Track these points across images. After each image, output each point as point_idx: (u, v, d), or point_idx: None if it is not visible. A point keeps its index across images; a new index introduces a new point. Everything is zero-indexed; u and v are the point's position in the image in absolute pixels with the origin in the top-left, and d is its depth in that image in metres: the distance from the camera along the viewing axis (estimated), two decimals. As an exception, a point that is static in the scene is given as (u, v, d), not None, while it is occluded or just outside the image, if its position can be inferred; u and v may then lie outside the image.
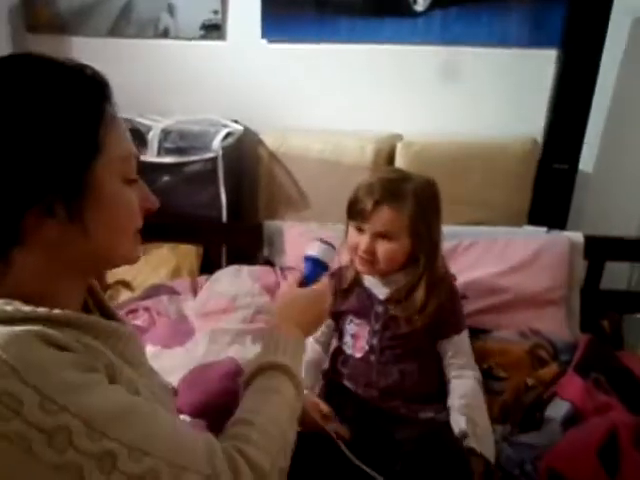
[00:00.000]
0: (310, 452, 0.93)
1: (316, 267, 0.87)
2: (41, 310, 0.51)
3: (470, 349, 1.11)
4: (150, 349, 1.26)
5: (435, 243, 1.07)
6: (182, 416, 1.02)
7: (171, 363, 1.19)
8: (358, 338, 1.11)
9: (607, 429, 0.88)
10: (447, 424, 1.05)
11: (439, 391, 1.09)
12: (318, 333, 1.20)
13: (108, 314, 0.67)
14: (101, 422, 0.46)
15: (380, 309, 1.09)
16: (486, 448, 0.97)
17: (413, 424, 1.03)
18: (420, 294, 1.05)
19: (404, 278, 1.08)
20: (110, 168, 0.55)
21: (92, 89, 0.55)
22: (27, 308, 0.50)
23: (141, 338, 1.30)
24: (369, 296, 1.11)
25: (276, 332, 0.75)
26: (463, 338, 1.10)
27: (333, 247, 0.89)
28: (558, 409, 1.05)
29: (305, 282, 0.85)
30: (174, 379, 1.16)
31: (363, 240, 1.04)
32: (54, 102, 0.51)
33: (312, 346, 1.17)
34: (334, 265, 0.94)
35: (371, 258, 1.04)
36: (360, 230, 1.05)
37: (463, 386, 1.05)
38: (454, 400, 1.04)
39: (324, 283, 0.85)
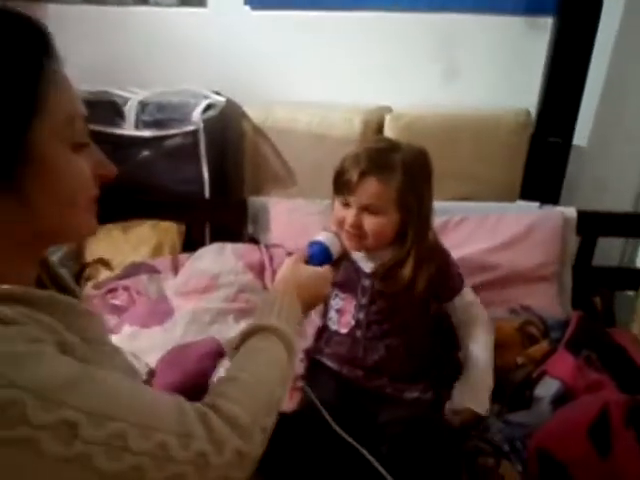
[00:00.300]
0: (294, 429, 0.91)
1: (321, 254, 0.89)
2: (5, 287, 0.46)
3: (475, 298, 1.12)
4: (128, 329, 1.22)
5: (425, 217, 1.02)
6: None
7: (149, 343, 1.15)
8: (344, 313, 1.07)
9: (598, 408, 0.85)
10: (433, 404, 1.03)
11: (426, 369, 1.06)
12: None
13: (66, 292, 0.62)
14: (54, 391, 0.43)
15: (367, 282, 1.05)
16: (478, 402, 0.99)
17: (398, 405, 1.00)
18: (407, 270, 1.00)
19: (392, 253, 1.03)
20: (52, 131, 0.49)
21: (29, 38, 0.48)
22: None
23: (120, 317, 1.27)
24: (356, 270, 1.07)
25: (273, 295, 0.74)
26: (466, 293, 1.10)
27: (341, 242, 0.95)
28: (548, 388, 1.02)
29: (308, 263, 0.85)
30: (152, 359, 1.13)
31: (349, 214, 0.98)
32: None
33: None
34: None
35: (358, 233, 0.99)
36: (346, 204, 1.00)
37: (480, 357, 1.05)
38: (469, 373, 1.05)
39: (327, 270, 0.85)
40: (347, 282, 1.07)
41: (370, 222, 0.98)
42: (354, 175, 0.96)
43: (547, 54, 1.57)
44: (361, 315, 1.05)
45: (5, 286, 0.47)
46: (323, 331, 1.12)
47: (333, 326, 1.08)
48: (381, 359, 1.03)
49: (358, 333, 1.05)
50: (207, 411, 0.52)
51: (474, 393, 1.01)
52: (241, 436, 0.53)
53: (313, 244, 0.91)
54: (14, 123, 0.46)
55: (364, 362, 1.04)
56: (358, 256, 1.07)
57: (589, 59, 1.50)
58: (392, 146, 1.01)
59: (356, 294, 1.06)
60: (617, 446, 0.80)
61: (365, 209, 0.98)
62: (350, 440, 0.82)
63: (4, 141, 0.46)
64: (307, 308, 0.79)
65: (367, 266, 1.06)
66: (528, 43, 1.60)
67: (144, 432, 0.46)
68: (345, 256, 1.08)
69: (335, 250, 0.92)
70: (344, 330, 1.06)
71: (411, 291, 1.01)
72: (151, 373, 1.11)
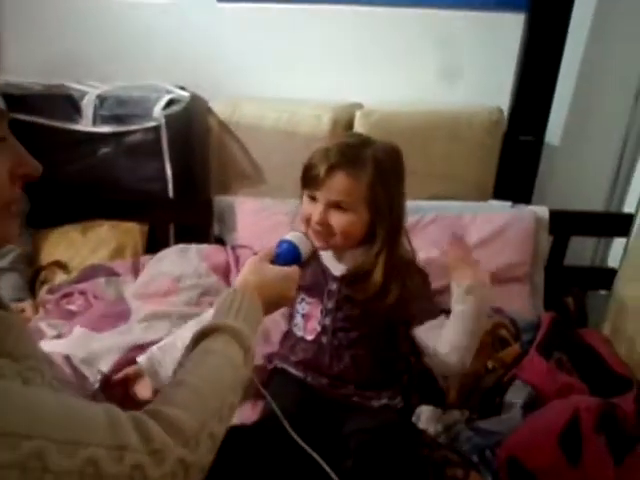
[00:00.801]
0: (254, 440, 0.87)
1: (289, 253, 0.85)
2: None
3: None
4: (79, 331, 1.14)
5: (397, 217, 0.96)
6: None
7: (102, 347, 1.08)
8: (310, 318, 1.02)
9: (569, 414, 0.82)
10: (401, 411, 0.99)
11: (393, 376, 1.02)
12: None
13: None
14: None
15: (334, 287, 0.99)
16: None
17: (365, 413, 0.95)
18: (377, 275, 0.94)
19: (361, 255, 0.98)
20: None
21: None
22: None
23: (70, 323, 1.20)
24: (323, 271, 1.01)
25: (231, 293, 0.70)
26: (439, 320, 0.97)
27: (312, 243, 0.90)
28: (519, 393, 0.99)
29: (273, 262, 0.81)
30: (106, 364, 1.05)
31: (316, 210, 0.92)
32: None
33: None
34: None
35: (325, 230, 0.93)
36: (313, 199, 0.94)
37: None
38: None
39: (295, 270, 0.81)
40: (314, 285, 1.01)
41: (338, 219, 0.92)
42: (322, 169, 0.91)
43: (519, 51, 1.55)
44: (327, 321, 0.99)
45: None
46: (288, 337, 1.07)
47: (299, 332, 1.03)
48: (346, 368, 0.98)
49: (324, 339, 1.00)
50: (145, 419, 0.48)
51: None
52: (185, 444, 0.49)
53: (281, 243, 0.86)
54: None
55: (329, 370, 0.99)
56: (326, 257, 1.02)
57: (561, 56, 1.48)
58: (363, 141, 0.96)
59: (322, 298, 1.00)
60: (587, 453, 0.77)
61: (332, 205, 0.92)
62: (311, 452, 0.77)
63: None
64: (270, 309, 0.75)
65: (336, 268, 1.01)
66: (501, 39, 1.57)
67: (67, 448, 0.42)
68: (313, 257, 1.03)
69: (304, 250, 0.87)
70: (310, 337, 1.01)
71: (381, 301, 0.95)
72: (105, 379, 1.04)
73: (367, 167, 0.91)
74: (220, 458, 0.83)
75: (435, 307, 0.99)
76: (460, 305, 0.88)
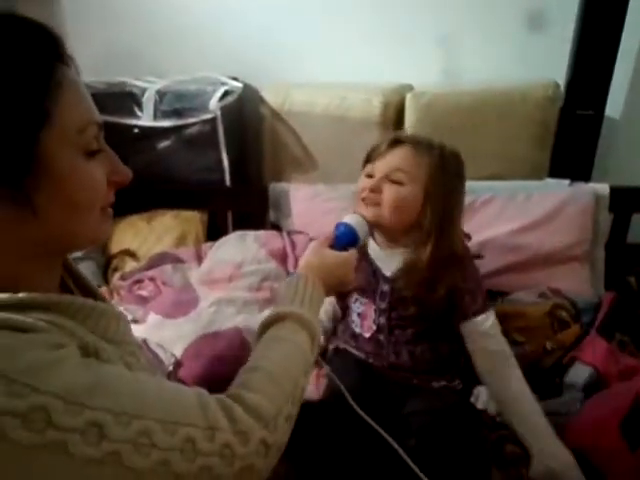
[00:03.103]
0: (320, 417, 0.92)
1: (348, 235, 0.87)
2: (3, 296, 0.47)
3: (498, 331, 0.98)
4: (153, 318, 1.23)
5: (450, 211, 0.96)
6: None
7: (175, 333, 1.16)
8: (365, 317, 1.05)
9: (630, 399, 0.82)
10: (461, 392, 1.01)
11: (452, 362, 1.04)
12: (326, 303, 1.16)
13: (88, 292, 0.63)
14: (78, 394, 0.43)
15: (386, 287, 1.01)
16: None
17: (425, 394, 0.98)
18: (422, 265, 0.95)
19: (412, 251, 0.98)
20: (63, 140, 0.48)
21: (40, 47, 0.47)
22: None
23: (144, 308, 1.29)
24: (374, 272, 1.04)
25: (295, 280, 0.73)
26: (486, 319, 0.97)
27: (370, 226, 0.92)
28: (579, 374, 0.99)
29: (333, 246, 0.83)
30: (178, 350, 1.14)
31: (371, 182, 0.95)
32: None
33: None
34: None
35: (375, 199, 0.94)
36: (370, 176, 0.97)
37: (498, 391, 0.95)
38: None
39: (353, 254, 0.84)
40: (367, 286, 1.04)
41: (391, 191, 0.93)
42: (386, 143, 0.96)
43: (576, 19, 1.48)
44: (382, 320, 1.02)
45: (23, 294, 0.48)
46: (347, 327, 1.10)
47: (356, 329, 1.07)
48: (405, 362, 1.01)
49: (381, 337, 1.03)
50: (230, 403, 0.53)
51: (548, 451, 0.85)
52: (265, 426, 0.54)
53: (339, 225, 0.89)
54: (22, 134, 0.46)
55: (388, 359, 1.02)
56: (377, 255, 1.04)
57: (622, 24, 1.41)
58: (433, 141, 0.98)
59: (375, 299, 1.03)
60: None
61: (388, 178, 0.94)
62: (375, 426, 0.80)
63: (13, 153, 0.45)
64: (330, 293, 0.79)
65: (387, 268, 1.02)
66: (555, 8, 1.51)
67: (169, 428, 0.47)
68: (364, 254, 1.05)
69: (362, 232, 0.90)
70: (367, 334, 1.04)
71: (430, 295, 0.96)
72: (177, 364, 1.12)
73: (433, 153, 0.94)
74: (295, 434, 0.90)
75: (482, 303, 0.99)
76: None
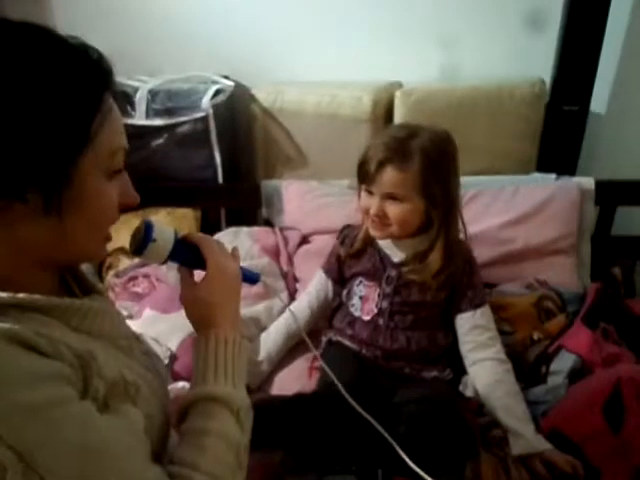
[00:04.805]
0: (313, 409, 0.94)
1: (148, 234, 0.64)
2: (5, 295, 0.48)
3: (492, 325, 1.05)
4: (148, 313, 1.25)
5: (451, 200, 1.01)
6: (180, 383, 1.02)
7: (169, 328, 1.18)
8: (367, 300, 1.09)
9: (612, 385, 0.85)
10: (451, 382, 1.04)
11: (445, 352, 1.07)
12: (313, 297, 1.19)
13: (86, 286, 0.65)
14: (43, 462, 0.42)
15: (393, 273, 1.06)
16: (530, 445, 0.88)
17: (416, 384, 1.01)
18: (436, 257, 1.01)
19: (420, 243, 1.04)
20: (96, 162, 0.51)
21: (94, 75, 0.51)
22: None
23: (139, 304, 1.31)
24: (382, 259, 1.08)
25: (204, 346, 0.62)
26: (483, 313, 1.04)
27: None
28: (564, 362, 1.02)
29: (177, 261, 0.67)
30: (173, 344, 1.16)
31: (373, 202, 1.00)
32: (49, 84, 0.47)
33: (301, 311, 1.17)
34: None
35: (383, 221, 1.01)
36: (370, 192, 1.02)
37: (483, 376, 1.00)
38: (478, 392, 1.00)
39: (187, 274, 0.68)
40: (372, 271, 1.08)
41: (394, 210, 0.99)
42: (372, 165, 0.98)
43: (561, 18, 1.51)
44: (384, 304, 1.06)
45: (22, 295, 0.49)
46: (344, 315, 1.13)
47: (355, 312, 1.10)
48: (401, 347, 1.04)
49: (380, 321, 1.06)
50: None
51: (522, 438, 0.90)
52: None
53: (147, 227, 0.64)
54: (67, 153, 0.49)
55: (383, 347, 1.05)
56: (385, 245, 1.08)
57: (606, 21, 1.44)
58: (412, 133, 1.00)
59: (380, 283, 1.07)
60: (629, 420, 0.81)
61: (388, 197, 0.99)
62: (366, 416, 0.83)
63: (52, 169, 0.48)
64: (235, 301, 0.67)
65: (395, 255, 1.07)
66: (541, 7, 1.54)
67: None
68: (370, 243, 1.09)
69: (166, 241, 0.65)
70: (366, 317, 1.08)
71: (436, 282, 1.02)
72: (173, 357, 1.14)
73: (414, 158, 0.97)
74: (284, 425, 0.92)
75: (478, 296, 1.05)
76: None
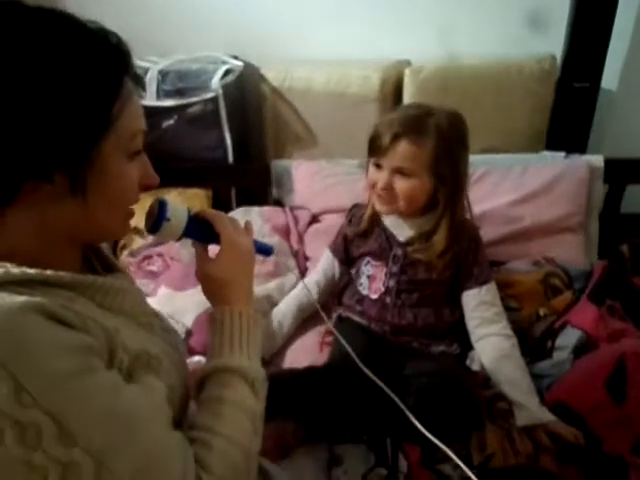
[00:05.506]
0: (327, 381, 0.97)
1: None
2: (33, 271, 0.50)
3: (498, 301, 1.06)
4: (164, 290, 1.29)
5: (458, 183, 1.02)
6: (196, 357, 1.06)
7: (185, 304, 1.22)
8: (374, 279, 1.11)
9: (616, 359, 0.87)
10: (458, 357, 1.07)
11: (452, 327, 1.09)
12: (321, 276, 1.21)
13: (108, 264, 0.67)
14: (75, 426, 0.44)
15: (399, 252, 1.08)
16: (535, 416, 0.91)
17: (425, 358, 1.04)
18: (440, 237, 1.03)
19: (426, 222, 1.05)
20: (117, 144, 0.53)
21: (114, 60, 0.52)
22: (17, 270, 0.49)
23: (154, 282, 1.34)
24: (388, 238, 1.10)
25: (219, 318, 0.65)
26: (488, 289, 1.06)
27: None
28: (569, 337, 1.04)
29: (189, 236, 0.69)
30: (188, 320, 1.19)
31: (381, 176, 1.01)
32: (72, 70, 0.49)
33: (310, 288, 1.19)
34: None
35: (389, 195, 1.01)
36: (379, 166, 1.02)
37: (489, 351, 1.02)
38: (484, 367, 1.02)
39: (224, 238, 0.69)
40: (379, 250, 1.10)
41: (401, 184, 1.00)
42: (387, 138, 0.98)
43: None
44: (391, 282, 1.08)
45: (50, 272, 0.51)
46: (353, 293, 1.15)
47: (364, 291, 1.12)
48: (408, 324, 1.07)
49: (387, 299, 1.08)
50: None
51: (527, 410, 0.93)
52: None
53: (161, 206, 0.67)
54: (89, 136, 0.51)
55: (392, 323, 1.08)
56: (392, 223, 1.10)
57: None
58: (426, 111, 1.01)
59: (387, 262, 1.09)
60: (631, 392, 0.83)
61: (397, 171, 1.00)
62: (381, 384, 0.85)
63: (76, 151, 0.50)
64: (249, 277, 0.70)
65: (401, 234, 1.09)
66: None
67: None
68: (377, 223, 1.11)
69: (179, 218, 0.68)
70: (374, 296, 1.10)
71: (441, 261, 1.04)
72: (188, 333, 1.18)
73: (430, 135, 0.97)
74: (297, 397, 0.96)
75: (484, 274, 1.06)
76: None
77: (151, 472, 0.49)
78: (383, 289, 1.09)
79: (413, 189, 1.00)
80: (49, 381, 0.44)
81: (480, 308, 1.05)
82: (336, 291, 1.24)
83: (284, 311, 1.20)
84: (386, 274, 1.08)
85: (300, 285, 1.24)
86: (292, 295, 1.24)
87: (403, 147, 0.97)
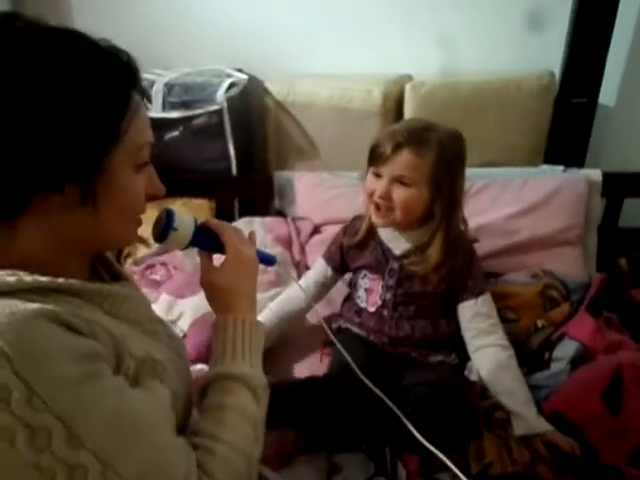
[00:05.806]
0: (327, 391, 0.97)
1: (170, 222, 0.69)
2: (45, 279, 0.52)
3: (493, 312, 1.08)
4: (165, 298, 1.30)
5: (455, 198, 1.04)
6: (199, 365, 1.07)
7: (184, 310, 1.24)
8: (371, 292, 1.12)
9: (612, 370, 0.88)
10: (456, 367, 1.08)
11: (449, 338, 1.10)
12: (311, 282, 1.22)
13: (115, 273, 0.69)
14: (83, 429, 0.46)
15: (395, 265, 1.09)
16: (532, 426, 0.92)
17: (423, 367, 1.05)
18: (435, 249, 1.04)
19: (422, 235, 1.07)
20: (126, 156, 0.55)
21: (124, 76, 0.55)
22: (30, 278, 0.51)
23: (157, 291, 1.36)
24: (384, 252, 1.11)
25: (222, 325, 0.67)
26: (484, 301, 1.07)
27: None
28: (567, 349, 1.05)
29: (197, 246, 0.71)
30: (185, 324, 1.21)
31: (380, 185, 1.02)
32: (83, 85, 0.51)
33: (297, 294, 1.18)
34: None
35: (387, 204, 1.02)
36: (378, 175, 1.03)
37: (486, 362, 1.03)
38: (482, 378, 1.03)
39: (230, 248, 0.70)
40: (375, 264, 1.11)
41: (400, 194, 1.01)
42: (389, 147, 0.99)
43: (571, 11, 1.52)
44: (388, 295, 1.09)
45: (61, 280, 0.53)
46: (351, 304, 1.17)
47: (361, 304, 1.13)
48: (406, 336, 1.08)
49: (384, 312, 1.10)
50: None
51: (524, 419, 0.94)
52: None
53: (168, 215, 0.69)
54: (99, 149, 0.53)
55: (390, 334, 1.09)
56: (388, 237, 1.11)
57: (615, 14, 1.45)
58: (428, 126, 1.03)
59: (384, 275, 1.10)
60: (628, 404, 0.84)
61: (396, 180, 1.01)
62: (379, 393, 0.86)
63: (86, 164, 0.52)
64: (252, 285, 0.71)
65: (397, 248, 1.10)
66: (551, 2, 1.56)
67: None
68: (373, 236, 1.13)
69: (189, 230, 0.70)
70: (371, 308, 1.11)
71: (436, 275, 1.05)
72: (184, 336, 1.20)
73: (431, 147, 0.99)
74: (297, 406, 0.97)
75: (479, 285, 1.08)
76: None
77: (155, 475, 0.50)
78: (380, 302, 1.10)
79: (411, 199, 1.01)
80: (60, 386, 0.46)
81: (476, 319, 1.06)
82: (327, 297, 1.25)
83: (273, 310, 1.20)
84: (383, 287, 1.10)
85: (283, 294, 1.24)
86: (280, 298, 1.23)
87: (405, 156, 0.99)
